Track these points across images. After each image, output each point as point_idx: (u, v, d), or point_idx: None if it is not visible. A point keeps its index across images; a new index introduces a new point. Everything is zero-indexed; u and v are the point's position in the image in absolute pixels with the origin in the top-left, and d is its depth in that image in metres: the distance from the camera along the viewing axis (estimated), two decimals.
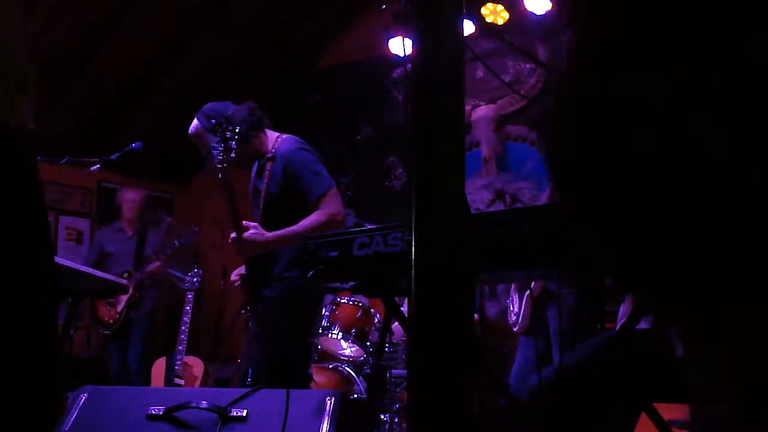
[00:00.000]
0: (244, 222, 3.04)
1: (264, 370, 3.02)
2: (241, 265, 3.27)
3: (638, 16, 0.58)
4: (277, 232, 3.04)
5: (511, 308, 3.79)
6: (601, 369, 1.81)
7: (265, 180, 3.16)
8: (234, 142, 3.00)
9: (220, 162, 2.96)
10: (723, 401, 1.52)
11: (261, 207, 3.17)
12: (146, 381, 5.34)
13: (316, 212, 3.06)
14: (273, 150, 3.20)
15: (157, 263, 5.46)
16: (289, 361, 3.06)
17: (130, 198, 5.70)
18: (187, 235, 5.59)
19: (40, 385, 1.11)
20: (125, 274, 5.38)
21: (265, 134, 3.25)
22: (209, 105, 3.24)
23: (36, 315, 1.13)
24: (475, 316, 4.03)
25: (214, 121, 3.08)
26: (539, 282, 3.46)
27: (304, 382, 3.19)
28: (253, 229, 3.03)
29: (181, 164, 6.73)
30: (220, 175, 2.97)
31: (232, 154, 2.99)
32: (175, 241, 5.55)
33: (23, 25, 1.24)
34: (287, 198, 3.11)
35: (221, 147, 2.97)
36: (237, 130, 3.01)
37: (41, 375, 1.12)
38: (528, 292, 3.55)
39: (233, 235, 3.02)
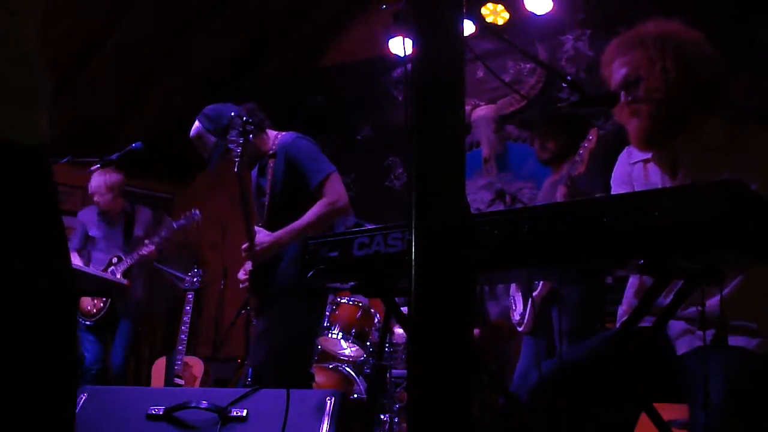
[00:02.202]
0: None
1: (268, 368, 3.02)
2: (245, 264, 3.27)
3: None
4: (284, 230, 3.06)
5: (514, 308, 3.79)
6: (601, 368, 1.80)
7: (269, 177, 3.18)
8: (252, 136, 3.00)
9: (238, 156, 2.96)
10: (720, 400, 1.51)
11: (267, 205, 3.18)
12: (128, 383, 5.26)
13: (317, 203, 3.07)
14: (273, 147, 3.22)
15: (151, 247, 4.95)
16: (292, 360, 3.07)
17: (95, 189, 5.11)
18: (186, 218, 5.10)
19: (60, 389, 1.10)
20: (114, 260, 5.01)
21: (266, 134, 3.26)
22: (210, 107, 3.24)
23: (51, 344, 1.11)
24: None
25: (233, 113, 3.07)
26: (546, 282, 3.46)
27: (307, 381, 3.19)
28: (260, 233, 3.05)
29: (181, 164, 6.73)
30: (236, 169, 2.97)
31: (250, 149, 3.00)
32: (173, 223, 5.06)
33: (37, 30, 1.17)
34: (292, 190, 3.12)
35: (241, 140, 2.96)
36: (254, 122, 3.02)
37: (61, 380, 1.10)
38: (534, 292, 3.55)
39: (245, 245, 3.03)
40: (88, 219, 5.25)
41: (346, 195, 3.14)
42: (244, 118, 2.99)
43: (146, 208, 5.39)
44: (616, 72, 1.96)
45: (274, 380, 2.81)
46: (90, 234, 5.17)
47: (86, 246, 5.17)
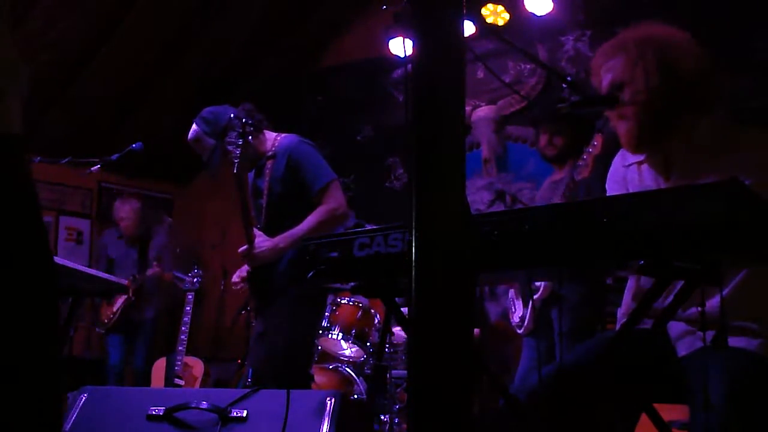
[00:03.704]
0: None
1: (267, 369, 3.02)
2: (242, 266, 3.26)
3: None
4: (284, 235, 3.05)
5: (513, 310, 3.79)
6: (601, 369, 1.80)
7: (267, 179, 3.16)
8: (251, 137, 2.99)
9: (237, 157, 2.95)
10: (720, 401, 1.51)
11: (264, 206, 3.17)
12: (147, 382, 5.35)
13: (317, 209, 3.06)
14: (273, 149, 3.21)
15: (157, 269, 5.51)
16: (292, 360, 3.06)
17: (124, 215, 5.66)
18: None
19: (41, 386, 1.10)
20: (131, 277, 5.42)
21: (264, 135, 3.25)
22: (208, 109, 3.23)
23: (35, 320, 1.11)
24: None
25: (232, 114, 3.07)
26: (547, 284, 3.46)
27: (306, 382, 3.19)
28: (259, 238, 3.04)
29: (181, 164, 6.73)
30: (235, 170, 2.96)
31: (249, 150, 2.99)
32: (177, 249, 5.72)
33: (22, 24, 1.16)
34: (291, 193, 3.11)
35: (240, 142, 2.95)
36: (252, 123, 3.01)
37: (42, 376, 1.10)
38: (534, 294, 3.54)
39: (243, 248, 3.03)
40: (108, 242, 5.82)
41: (346, 203, 3.15)
42: (243, 120, 2.98)
43: (162, 235, 5.80)
44: (604, 78, 2.00)
45: (274, 381, 2.81)
46: (111, 256, 5.71)
47: (110, 267, 5.67)
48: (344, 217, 3.13)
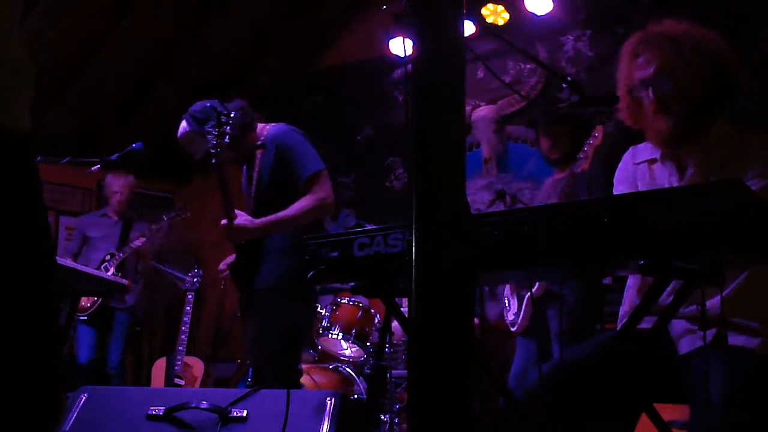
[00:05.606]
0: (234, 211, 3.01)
1: (265, 367, 3.00)
2: (230, 256, 3.24)
3: None
4: (267, 218, 3.01)
5: (508, 308, 3.78)
6: (601, 368, 1.80)
7: (256, 168, 3.14)
8: (228, 127, 2.94)
9: (214, 147, 2.91)
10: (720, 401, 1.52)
11: (253, 195, 3.15)
12: (125, 381, 5.30)
13: (305, 197, 3.03)
14: (262, 138, 3.17)
15: (142, 239, 5.22)
16: (279, 353, 3.02)
17: (118, 189, 5.46)
18: (175, 211, 5.41)
19: (40, 385, 1.10)
20: (107, 256, 5.21)
21: (256, 130, 3.22)
22: (197, 104, 3.19)
23: (36, 316, 1.12)
24: (475, 320, 4.03)
25: (209, 104, 3.05)
26: (541, 283, 3.46)
27: (296, 378, 3.15)
28: (242, 217, 3.01)
29: (181, 164, 6.71)
30: (213, 161, 2.93)
31: (226, 139, 2.94)
32: (164, 216, 5.37)
33: (22, 24, 1.18)
34: (279, 182, 3.08)
35: (215, 132, 2.91)
36: (232, 115, 2.97)
37: (41, 376, 1.11)
38: (529, 293, 3.54)
39: (224, 221, 2.99)
40: (86, 223, 5.53)
41: (333, 194, 3.11)
42: (218, 109, 2.96)
43: (145, 222, 5.54)
44: (642, 68, 1.94)
45: (270, 377, 2.81)
46: (88, 235, 5.41)
47: (82, 248, 5.39)
48: (330, 208, 3.08)
